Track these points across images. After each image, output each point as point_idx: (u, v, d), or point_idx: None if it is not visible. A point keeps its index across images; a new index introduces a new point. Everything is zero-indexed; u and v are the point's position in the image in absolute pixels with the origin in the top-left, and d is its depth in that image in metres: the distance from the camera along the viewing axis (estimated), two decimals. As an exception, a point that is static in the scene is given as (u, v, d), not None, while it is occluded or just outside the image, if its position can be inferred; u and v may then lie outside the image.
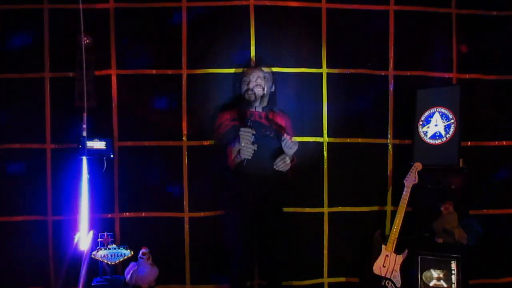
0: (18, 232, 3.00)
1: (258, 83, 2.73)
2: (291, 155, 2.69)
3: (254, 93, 2.72)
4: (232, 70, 3.04)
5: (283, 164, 2.64)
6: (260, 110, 2.77)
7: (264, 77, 2.77)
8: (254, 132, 2.55)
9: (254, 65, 3.00)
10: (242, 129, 2.54)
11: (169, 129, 3.06)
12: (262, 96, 2.76)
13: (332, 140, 3.13)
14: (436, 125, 2.98)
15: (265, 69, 2.85)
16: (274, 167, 2.64)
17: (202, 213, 3.06)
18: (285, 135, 2.61)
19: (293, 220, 3.09)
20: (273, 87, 2.86)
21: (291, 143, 2.59)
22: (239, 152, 2.57)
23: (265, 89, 2.75)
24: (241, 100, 2.82)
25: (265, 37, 3.08)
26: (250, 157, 2.55)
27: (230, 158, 2.64)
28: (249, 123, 2.56)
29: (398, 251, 2.84)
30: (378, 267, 2.89)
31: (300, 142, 3.02)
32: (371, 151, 3.16)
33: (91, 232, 2.75)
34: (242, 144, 2.52)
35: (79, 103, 2.81)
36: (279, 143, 2.66)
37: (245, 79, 2.78)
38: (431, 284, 2.75)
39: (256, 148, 2.56)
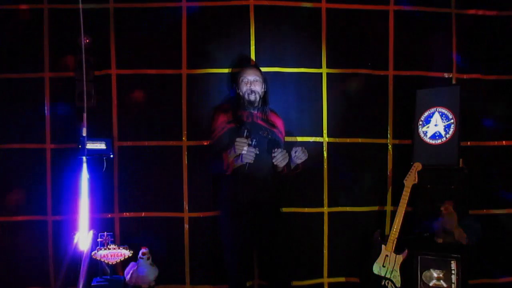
0: (18, 232, 3.00)
1: (254, 87, 2.74)
2: (282, 167, 2.70)
3: (256, 93, 2.73)
4: (234, 70, 3.04)
5: (281, 156, 2.61)
6: (256, 111, 2.78)
7: (258, 81, 2.78)
8: (250, 142, 2.55)
9: (252, 64, 2.99)
10: (237, 139, 2.54)
11: (169, 129, 3.06)
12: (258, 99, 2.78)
13: (332, 140, 3.13)
14: (436, 125, 2.98)
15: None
16: (273, 160, 2.63)
17: (201, 214, 3.06)
18: (276, 149, 2.62)
19: (293, 220, 3.09)
20: (264, 87, 2.87)
21: (282, 156, 2.60)
22: (239, 156, 2.57)
23: (260, 92, 2.77)
24: (236, 100, 2.82)
25: (265, 37, 3.08)
26: (252, 161, 2.56)
27: (225, 163, 2.63)
28: (246, 134, 2.56)
29: (398, 251, 2.83)
30: (378, 267, 2.89)
31: (299, 143, 3.05)
32: (371, 151, 3.16)
33: (91, 232, 2.76)
34: (237, 153, 2.54)
35: (79, 103, 2.82)
36: (276, 143, 2.70)
37: (243, 79, 2.77)
38: (431, 284, 2.74)
39: (258, 152, 2.57)
